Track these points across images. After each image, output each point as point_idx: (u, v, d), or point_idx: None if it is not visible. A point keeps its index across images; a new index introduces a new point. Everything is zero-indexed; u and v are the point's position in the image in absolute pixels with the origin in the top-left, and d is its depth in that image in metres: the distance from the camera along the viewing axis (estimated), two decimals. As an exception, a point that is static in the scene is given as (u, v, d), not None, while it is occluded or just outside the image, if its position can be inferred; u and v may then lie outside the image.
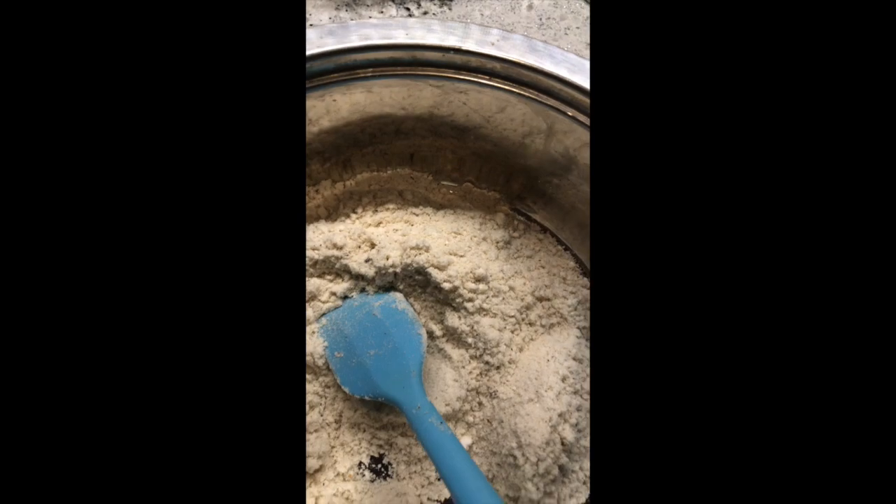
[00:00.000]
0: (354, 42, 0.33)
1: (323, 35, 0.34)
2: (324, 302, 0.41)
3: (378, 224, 0.43)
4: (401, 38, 0.35)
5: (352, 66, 0.35)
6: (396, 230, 0.42)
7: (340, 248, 0.40)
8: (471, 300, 0.39)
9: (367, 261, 0.40)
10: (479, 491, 0.30)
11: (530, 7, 0.48)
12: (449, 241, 0.41)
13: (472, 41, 0.33)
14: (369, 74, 0.34)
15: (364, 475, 0.40)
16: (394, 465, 0.40)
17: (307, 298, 0.40)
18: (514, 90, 0.36)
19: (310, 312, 0.40)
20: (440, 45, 0.34)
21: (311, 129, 0.40)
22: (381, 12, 0.56)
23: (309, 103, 0.37)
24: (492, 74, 0.36)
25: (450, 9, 0.56)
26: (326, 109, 0.38)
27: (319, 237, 0.40)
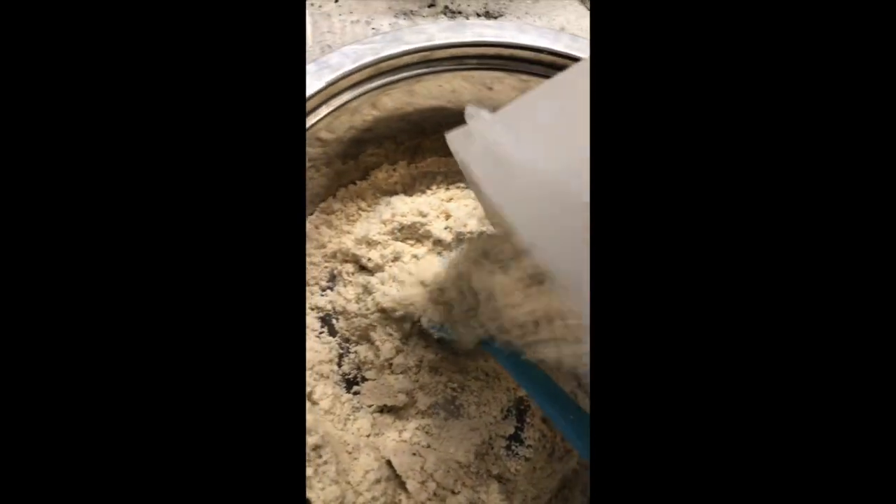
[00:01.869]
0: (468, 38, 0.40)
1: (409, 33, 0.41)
2: (405, 263, 0.47)
3: (450, 200, 0.49)
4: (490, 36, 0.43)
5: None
6: (467, 205, 0.49)
7: (425, 216, 0.46)
8: (536, 264, 0.46)
9: (446, 228, 0.46)
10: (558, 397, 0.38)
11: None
12: (514, 215, 0.48)
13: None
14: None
15: (440, 414, 0.45)
16: (465, 406, 0.46)
17: (392, 258, 0.46)
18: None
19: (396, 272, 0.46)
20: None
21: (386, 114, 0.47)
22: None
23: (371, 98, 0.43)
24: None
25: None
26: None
27: (405, 206, 0.47)
